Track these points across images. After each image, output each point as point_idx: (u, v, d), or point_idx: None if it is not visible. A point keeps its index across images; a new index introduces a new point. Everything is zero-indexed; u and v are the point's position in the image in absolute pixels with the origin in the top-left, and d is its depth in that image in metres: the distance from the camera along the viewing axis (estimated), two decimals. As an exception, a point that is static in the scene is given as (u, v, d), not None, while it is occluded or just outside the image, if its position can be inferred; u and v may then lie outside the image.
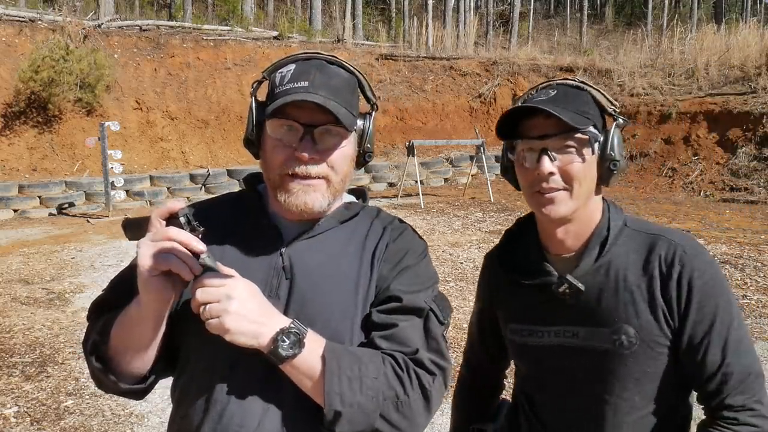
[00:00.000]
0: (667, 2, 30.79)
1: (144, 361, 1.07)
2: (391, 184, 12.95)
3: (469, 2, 26.30)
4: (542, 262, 1.24)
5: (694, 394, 1.24)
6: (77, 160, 11.61)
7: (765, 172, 11.32)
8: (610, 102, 1.21)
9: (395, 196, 11.62)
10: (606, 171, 1.18)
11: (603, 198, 1.26)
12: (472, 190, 12.25)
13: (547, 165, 1.15)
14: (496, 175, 13.73)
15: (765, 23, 17.92)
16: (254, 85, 1.17)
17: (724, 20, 23.20)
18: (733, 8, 34.08)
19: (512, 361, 1.48)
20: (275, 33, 16.67)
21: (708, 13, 32.44)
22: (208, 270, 0.96)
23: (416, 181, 11.11)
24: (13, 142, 11.39)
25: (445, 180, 13.62)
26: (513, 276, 1.28)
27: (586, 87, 1.21)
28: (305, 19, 22.04)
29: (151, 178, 11.38)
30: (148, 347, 1.06)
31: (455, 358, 4.31)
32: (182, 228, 0.96)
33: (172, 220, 0.97)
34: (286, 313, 1.05)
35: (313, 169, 1.08)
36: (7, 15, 12.63)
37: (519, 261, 1.29)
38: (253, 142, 1.13)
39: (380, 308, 1.08)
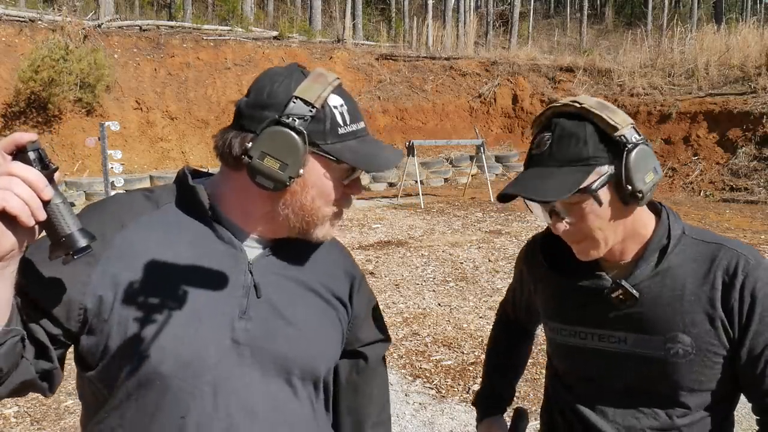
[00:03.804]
0: (667, 2, 30.78)
1: None
2: (391, 184, 12.94)
3: (469, 2, 26.28)
4: (595, 266, 1.19)
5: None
6: (77, 160, 11.62)
7: (765, 172, 11.32)
8: (615, 125, 1.06)
9: (395, 196, 11.61)
10: (630, 200, 1.08)
11: (661, 204, 1.20)
12: (472, 190, 12.25)
13: (557, 226, 1.12)
14: (496, 175, 13.75)
15: (765, 23, 17.92)
16: (308, 119, 0.95)
17: (724, 20, 23.18)
18: (733, 8, 34.09)
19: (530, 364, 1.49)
20: (275, 33, 16.67)
21: (708, 13, 32.44)
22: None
23: (416, 181, 11.11)
24: (13, 142, 11.39)
25: (445, 180, 13.61)
26: (559, 273, 1.24)
27: (586, 115, 1.08)
28: (305, 19, 22.04)
29: (151, 178, 11.38)
30: None
31: (455, 358, 4.31)
32: (31, 165, 0.80)
33: (19, 155, 0.80)
34: (258, 337, 0.99)
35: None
36: (7, 15, 12.63)
37: (566, 258, 1.22)
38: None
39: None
